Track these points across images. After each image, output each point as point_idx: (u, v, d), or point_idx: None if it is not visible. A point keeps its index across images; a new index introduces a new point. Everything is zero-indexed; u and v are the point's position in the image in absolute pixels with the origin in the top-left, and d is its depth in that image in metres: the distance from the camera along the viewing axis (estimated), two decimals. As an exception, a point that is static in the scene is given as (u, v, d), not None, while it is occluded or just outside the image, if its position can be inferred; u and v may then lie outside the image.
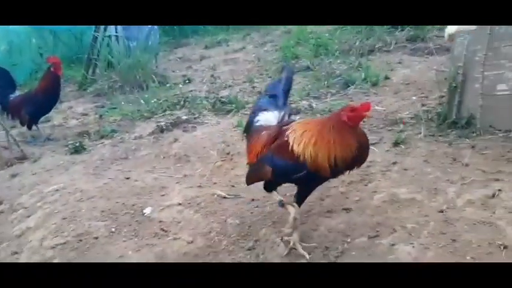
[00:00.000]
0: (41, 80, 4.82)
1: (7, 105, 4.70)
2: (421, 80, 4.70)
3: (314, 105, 4.36)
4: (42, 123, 4.96)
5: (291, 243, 2.36)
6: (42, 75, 4.85)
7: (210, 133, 4.13)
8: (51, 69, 4.66)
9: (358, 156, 2.15)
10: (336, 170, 2.16)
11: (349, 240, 2.40)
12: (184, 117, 4.61)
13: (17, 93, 4.86)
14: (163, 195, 3.14)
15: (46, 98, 4.70)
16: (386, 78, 4.82)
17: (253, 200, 2.95)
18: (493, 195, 2.61)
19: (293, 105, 4.45)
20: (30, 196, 3.34)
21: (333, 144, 2.10)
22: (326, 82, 4.93)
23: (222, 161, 3.61)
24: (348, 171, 2.25)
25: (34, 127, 4.77)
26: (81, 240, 2.66)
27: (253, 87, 5.30)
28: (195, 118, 4.55)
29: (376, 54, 5.70)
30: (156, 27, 6.79)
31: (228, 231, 2.64)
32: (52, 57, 4.89)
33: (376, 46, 5.83)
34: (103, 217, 2.87)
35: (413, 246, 2.26)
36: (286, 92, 2.56)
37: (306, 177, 2.18)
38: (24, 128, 4.79)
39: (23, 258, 2.67)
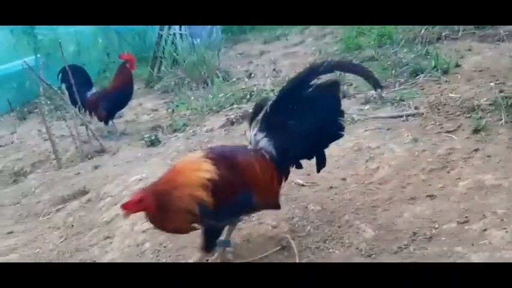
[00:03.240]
0: (115, 76, 5.06)
1: (85, 102, 4.97)
2: (494, 66, 4.53)
3: (384, 94, 4.32)
4: (115, 119, 5.21)
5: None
6: (116, 72, 5.08)
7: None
8: (126, 65, 4.89)
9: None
10: None
11: (436, 226, 2.38)
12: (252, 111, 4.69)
13: (94, 90, 5.12)
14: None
15: (121, 94, 4.95)
16: (457, 65, 4.67)
17: (331, 187, 2.98)
18: None
19: (361, 95, 4.45)
20: (115, 185, 3.53)
21: None
22: (393, 71, 4.86)
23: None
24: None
25: (110, 122, 5.03)
26: (169, 225, 2.80)
27: (318, 78, 5.29)
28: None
29: (443, 42, 5.53)
30: (218, 23, 6.93)
31: (310, 217, 2.69)
32: (126, 54, 5.11)
33: (443, 34, 5.66)
34: (188, 204, 2.99)
35: (506, 231, 2.21)
36: None
37: None
38: (101, 124, 5.06)
39: (115, 242, 2.84)
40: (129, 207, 2.01)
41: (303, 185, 3.06)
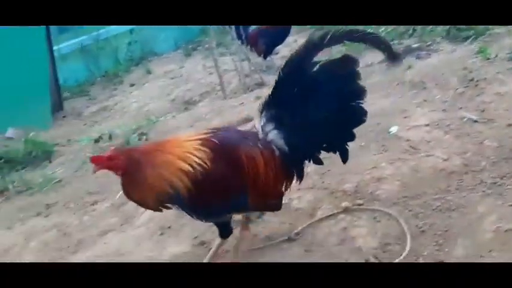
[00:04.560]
0: (275, 12, 5.16)
1: (247, 37, 5.20)
2: None
3: None
4: (272, 55, 5.38)
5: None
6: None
7: (447, 60, 3.92)
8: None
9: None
10: None
11: None
12: (414, 46, 4.46)
13: (253, 26, 5.32)
14: (406, 117, 3.14)
15: (280, 31, 5.06)
16: None
17: (510, 125, 2.75)
18: None
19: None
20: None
21: None
22: None
23: (464, 87, 3.41)
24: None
25: (268, 57, 5.22)
26: (334, 152, 2.88)
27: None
28: (427, 46, 4.37)
29: None
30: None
31: (485, 153, 2.53)
32: (286, -10, 5.15)
33: None
34: (351, 133, 3.04)
35: None
36: None
37: None
38: (259, 59, 5.27)
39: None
40: (98, 162, 1.85)
41: (476, 121, 2.88)
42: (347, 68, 1.90)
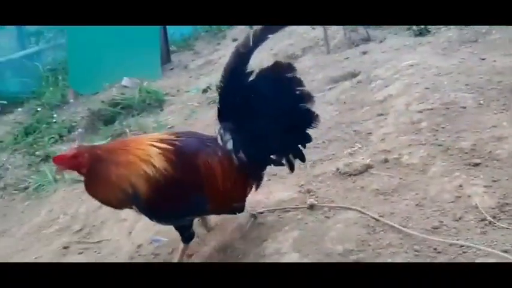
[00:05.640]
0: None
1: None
2: None
3: None
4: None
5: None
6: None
7: None
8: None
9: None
10: None
11: None
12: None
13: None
14: (531, 76, 2.91)
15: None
16: None
17: None
18: None
19: None
20: (385, 70, 3.60)
21: None
22: None
23: None
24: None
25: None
26: (448, 108, 2.76)
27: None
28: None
29: None
30: None
31: None
32: None
33: None
34: (468, 90, 2.88)
35: None
36: None
37: None
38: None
39: (390, 119, 2.93)
40: (61, 161, 1.86)
41: None
42: (281, 73, 1.90)
